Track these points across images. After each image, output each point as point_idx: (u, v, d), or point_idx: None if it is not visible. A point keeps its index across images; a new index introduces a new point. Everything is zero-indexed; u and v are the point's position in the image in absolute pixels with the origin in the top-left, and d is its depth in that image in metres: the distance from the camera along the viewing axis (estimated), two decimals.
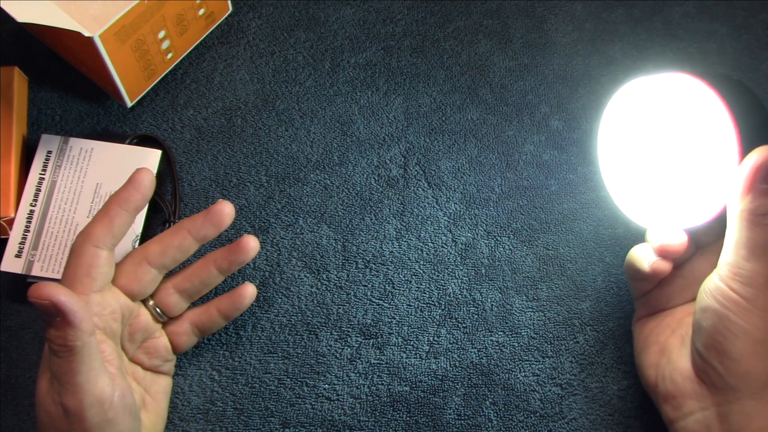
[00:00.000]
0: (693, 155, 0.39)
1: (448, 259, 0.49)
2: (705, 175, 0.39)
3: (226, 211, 0.44)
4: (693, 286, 0.43)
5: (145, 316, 0.43)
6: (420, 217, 0.50)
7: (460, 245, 0.50)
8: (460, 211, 0.50)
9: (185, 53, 0.54)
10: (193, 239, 0.43)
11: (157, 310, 0.44)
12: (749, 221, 0.36)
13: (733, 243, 0.37)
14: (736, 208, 0.37)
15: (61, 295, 0.35)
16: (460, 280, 0.49)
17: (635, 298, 0.46)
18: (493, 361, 0.47)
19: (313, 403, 0.46)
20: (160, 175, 0.51)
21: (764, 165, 0.36)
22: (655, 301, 0.44)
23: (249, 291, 0.46)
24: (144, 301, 0.44)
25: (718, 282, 0.38)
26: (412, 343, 0.48)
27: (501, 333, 0.48)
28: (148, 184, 0.42)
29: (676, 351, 0.41)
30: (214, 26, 0.55)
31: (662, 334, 0.43)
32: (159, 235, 0.44)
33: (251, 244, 0.45)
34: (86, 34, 0.45)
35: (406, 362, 0.47)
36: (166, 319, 0.44)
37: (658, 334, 0.43)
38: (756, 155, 0.36)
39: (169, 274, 0.45)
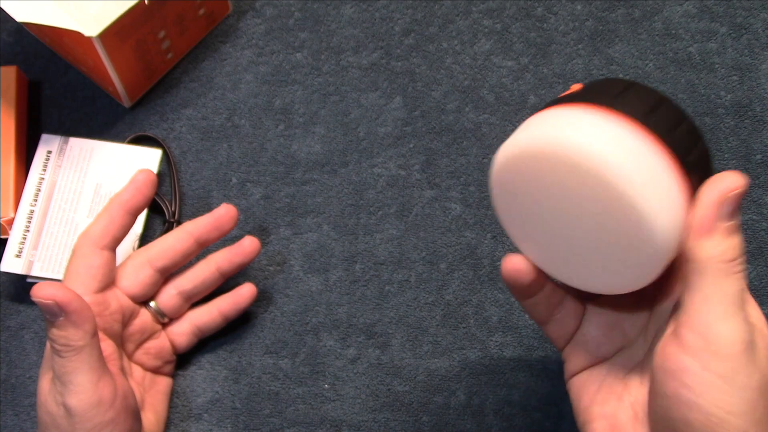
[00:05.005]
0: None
1: (449, 258, 0.49)
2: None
3: (230, 214, 0.44)
4: (621, 324, 0.35)
5: (145, 316, 0.43)
6: (420, 216, 0.50)
7: (460, 245, 0.50)
8: (460, 211, 0.50)
9: (185, 53, 0.54)
10: (195, 242, 0.44)
11: (158, 310, 0.44)
12: (719, 270, 0.28)
13: (699, 301, 0.29)
14: (698, 256, 0.29)
15: (64, 295, 0.35)
16: (460, 280, 0.49)
17: (552, 339, 0.37)
18: (494, 361, 0.47)
19: (314, 403, 0.46)
20: (160, 175, 0.51)
21: (728, 197, 0.28)
22: (580, 346, 0.36)
23: (250, 291, 0.46)
24: (145, 302, 0.44)
25: (684, 359, 0.29)
26: (412, 343, 0.48)
27: (501, 333, 0.48)
28: (149, 185, 0.42)
29: (630, 430, 0.33)
30: (214, 26, 0.55)
31: (607, 403, 0.34)
32: (161, 237, 0.44)
33: (253, 245, 0.45)
34: (86, 34, 0.45)
35: (406, 362, 0.47)
36: (166, 320, 0.44)
37: (603, 404, 0.34)
38: (715, 186, 0.28)
39: (171, 275, 0.45)
